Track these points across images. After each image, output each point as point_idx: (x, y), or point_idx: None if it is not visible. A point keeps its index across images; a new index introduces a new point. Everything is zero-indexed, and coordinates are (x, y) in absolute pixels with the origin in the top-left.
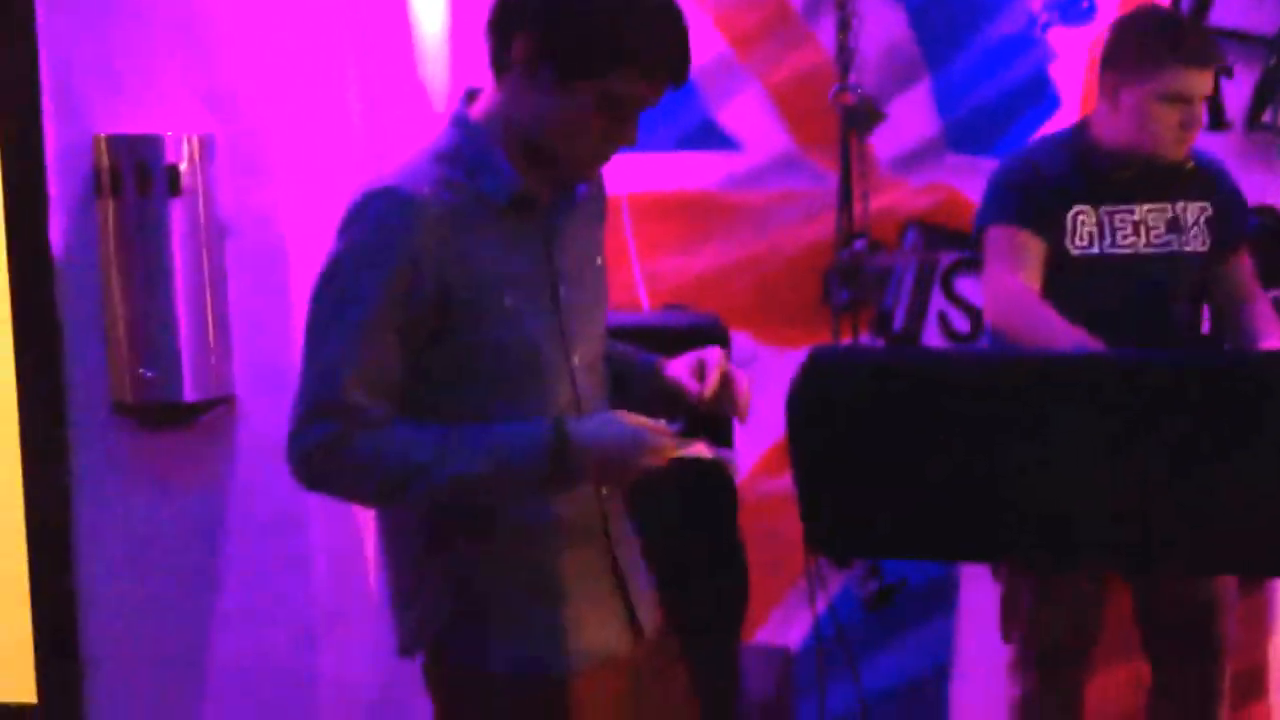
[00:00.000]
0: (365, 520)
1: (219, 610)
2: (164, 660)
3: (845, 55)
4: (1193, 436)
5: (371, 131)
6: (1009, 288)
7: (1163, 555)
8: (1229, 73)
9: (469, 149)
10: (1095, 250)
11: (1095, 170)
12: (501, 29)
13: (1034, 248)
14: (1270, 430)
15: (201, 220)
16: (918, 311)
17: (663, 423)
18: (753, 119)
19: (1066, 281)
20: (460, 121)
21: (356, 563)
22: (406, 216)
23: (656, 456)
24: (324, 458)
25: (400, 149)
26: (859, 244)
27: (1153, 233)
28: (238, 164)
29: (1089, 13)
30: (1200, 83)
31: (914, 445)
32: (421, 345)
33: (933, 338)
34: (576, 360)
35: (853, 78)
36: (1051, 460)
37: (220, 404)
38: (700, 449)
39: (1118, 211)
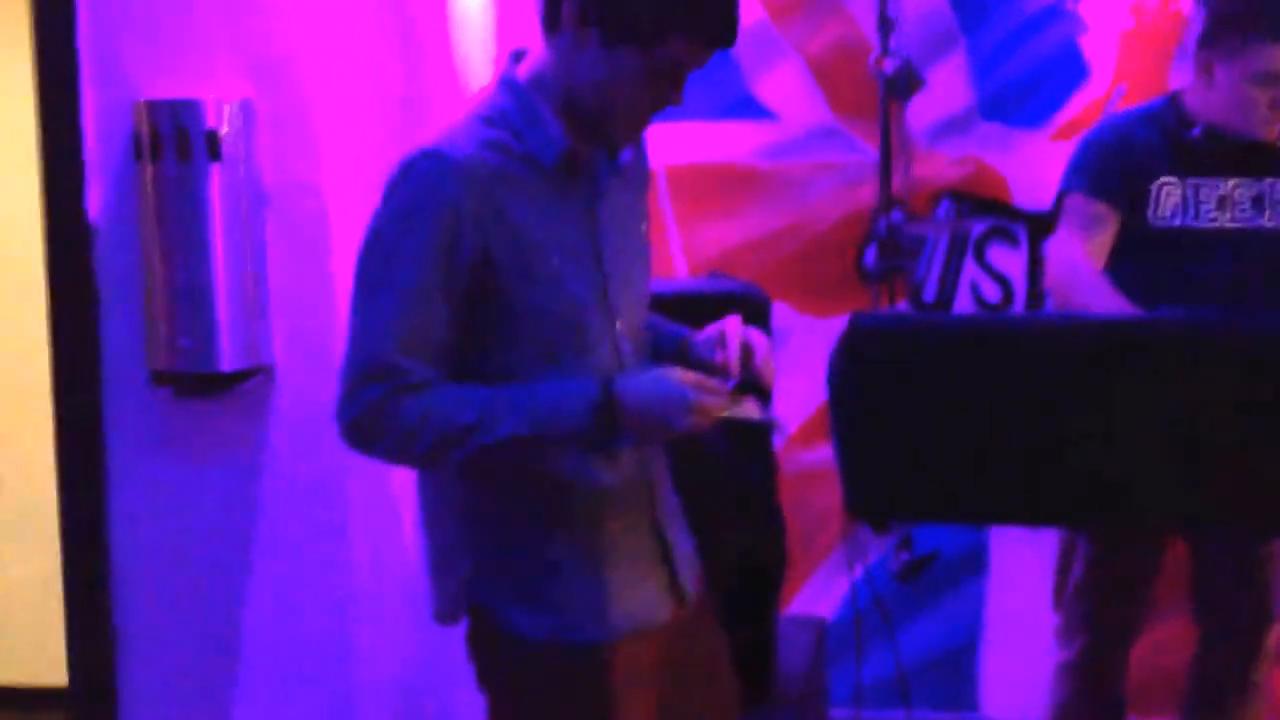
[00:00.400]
0: (402, 491)
1: (254, 583)
2: (198, 633)
3: (886, 21)
4: (1246, 400)
5: (414, 98)
6: (1070, 256)
7: (1217, 519)
8: None
9: (516, 111)
10: (1178, 223)
11: (1185, 144)
12: None
13: (1107, 220)
14: None
15: (242, 186)
16: (950, 280)
17: (714, 381)
18: (789, 89)
19: (1148, 254)
20: (507, 83)
21: (393, 534)
22: (451, 178)
23: (701, 416)
24: (372, 421)
25: (443, 114)
26: (895, 213)
27: (1238, 209)
28: (279, 130)
29: None
30: None
31: (955, 409)
32: (466, 307)
33: (964, 306)
34: (619, 325)
35: (893, 44)
36: (1095, 423)
37: (258, 373)
38: (750, 408)
39: (1204, 185)
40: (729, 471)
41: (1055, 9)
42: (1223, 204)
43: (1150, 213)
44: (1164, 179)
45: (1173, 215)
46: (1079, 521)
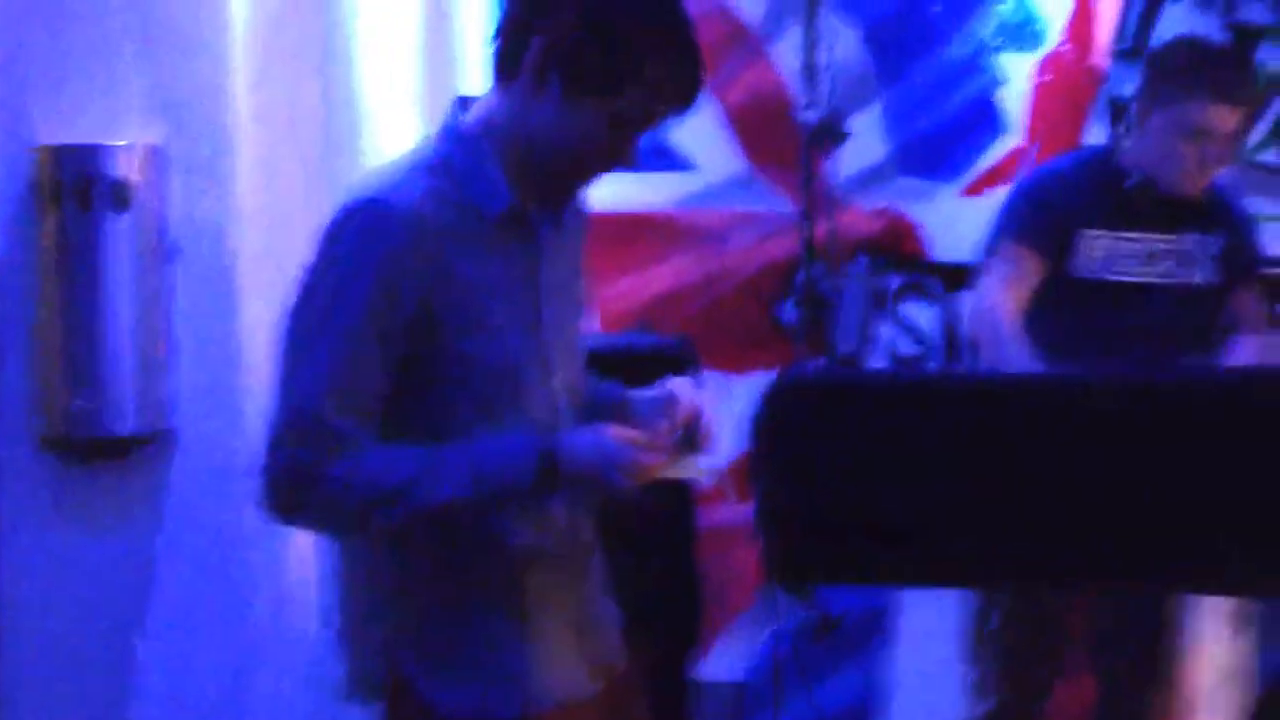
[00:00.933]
0: (309, 563)
1: (147, 661)
2: (89, 715)
3: (811, 72)
4: (1173, 455)
5: (334, 141)
6: (991, 305)
7: (1135, 574)
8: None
9: (460, 160)
10: (1100, 276)
11: (1113, 195)
12: (513, 35)
13: (1034, 270)
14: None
15: (147, 237)
16: (865, 335)
17: (655, 439)
18: (707, 139)
19: (1069, 304)
20: (451, 132)
21: (299, 609)
22: (392, 229)
23: (642, 475)
24: (297, 484)
25: (362, 160)
26: (814, 267)
27: (1160, 264)
28: (191, 176)
29: (1037, 38)
30: (1224, 119)
31: (883, 468)
32: (402, 361)
33: (879, 361)
34: (556, 380)
35: (816, 94)
36: (1024, 482)
37: (158, 437)
38: (689, 467)
39: (1128, 239)
40: (648, 531)
41: (972, 62)
42: (1150, 259)
43: (1075, 263)
44: (1089, 231)
45: (1098, 267)
46: (1007, 582)
